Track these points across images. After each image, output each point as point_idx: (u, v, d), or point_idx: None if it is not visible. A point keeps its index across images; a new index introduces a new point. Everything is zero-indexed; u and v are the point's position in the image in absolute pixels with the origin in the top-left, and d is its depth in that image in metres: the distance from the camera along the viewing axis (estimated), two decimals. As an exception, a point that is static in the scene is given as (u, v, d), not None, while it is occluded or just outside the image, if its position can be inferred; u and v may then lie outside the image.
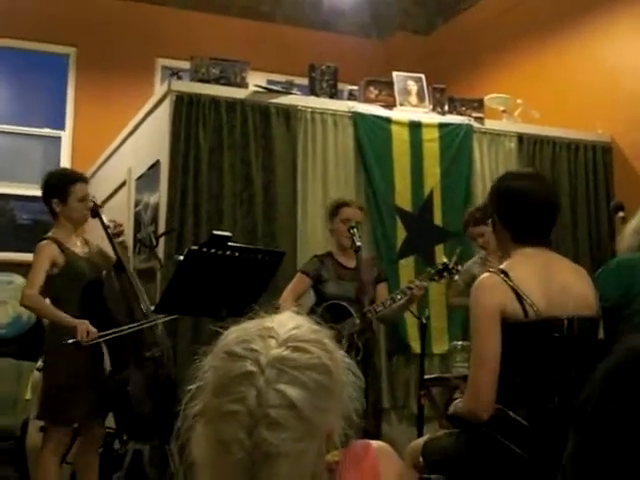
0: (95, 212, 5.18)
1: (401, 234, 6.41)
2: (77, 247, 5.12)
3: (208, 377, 1.38)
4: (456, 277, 5.35)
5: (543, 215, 3.21)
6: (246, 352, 1.35)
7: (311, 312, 5.10)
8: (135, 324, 4.89)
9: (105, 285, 5.02)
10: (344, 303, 5.09)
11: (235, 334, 1.41)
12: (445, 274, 5.16)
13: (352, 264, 5.19)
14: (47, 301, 5.05)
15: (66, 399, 4.82)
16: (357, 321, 4.94)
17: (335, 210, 5.32)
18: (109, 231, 5.18)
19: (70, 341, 4.69)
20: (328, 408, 1.35)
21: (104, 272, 5.07)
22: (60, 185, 5.08)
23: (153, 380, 4.91)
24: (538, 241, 3.16)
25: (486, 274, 3.15)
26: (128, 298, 5.05)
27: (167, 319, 4.94)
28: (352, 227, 5.01)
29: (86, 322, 4.74)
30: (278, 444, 1.29)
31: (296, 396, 1.31)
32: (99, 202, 5.42)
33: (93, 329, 4.72)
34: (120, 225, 5.30)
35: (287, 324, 1.41)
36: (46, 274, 4.90)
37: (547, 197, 3.23)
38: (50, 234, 5.07)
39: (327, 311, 5.05)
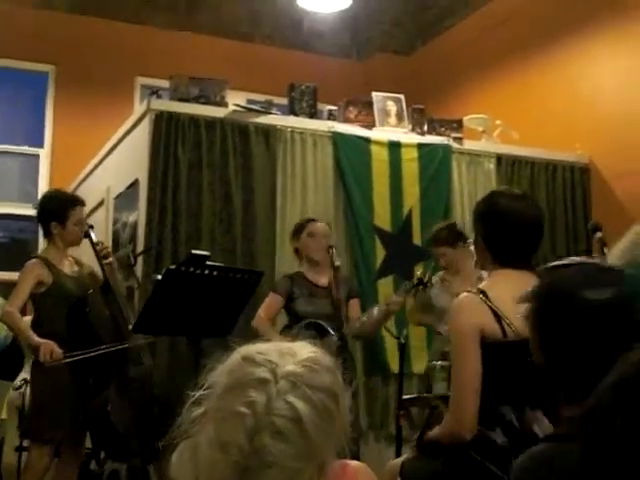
0: (86, 233, 5.23)
1: (380, 253, 6.42)
2: (66, 267, 5.19)
3: (220, 380, 1.40)
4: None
5: (527, 238, 3.17)
6: (264, 361, 1.38)
7: (285, 329, 5.09)
8: (107, 345, 4.89)
9: (90, 304, 5.03)
10: (320, 321, 5.07)
11: (253, 347, 1.44)
12: (420, 288, 5.16)
13: (323, 281, 5.24)
14: (27, 319, 5.15)
15: (49, 417, 4.86)
16: (335, 339, 4.93)
17: (300, 227, 5.36)
18: (98, 251, 5.20)
19: (32, 360, 4.82)
20: (329, 434, 1.37)
21: (90, 291, 5.10)
22: (59, 209, 5.16)
23: (136, 399, 4.90)
24: (520, 264, 3.15)
25: (465, 294, 3.14)
26: (115, 318, 5.05)
27: (144, 342, 4.92)
28: (330, 246, 5.02)
29: (51, 343, 4.79)
30: (276, 454, 1.30)
31: (304, 411, 1.32)
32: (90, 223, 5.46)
33: (58, 350, 4.78)
34: (106, 247, 5.34)
35: (306, 348, 1.45)
36: (31, 293, 4.99)
37: (533, 219, 3.21)
38: (40, 253, 5.21)
39: (304, 329, 5.03)
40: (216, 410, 1.36)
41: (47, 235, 5.22)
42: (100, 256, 5.17)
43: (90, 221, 6.79)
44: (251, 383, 1.34)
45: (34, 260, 5.09)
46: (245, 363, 1.38)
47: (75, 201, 5.27)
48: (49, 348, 4.75)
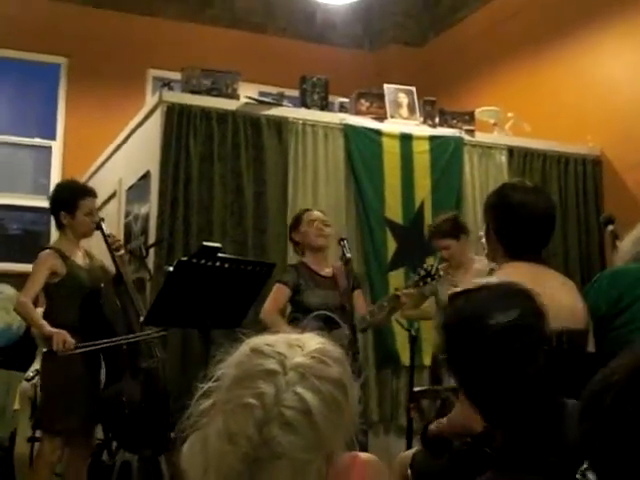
0: (97, 225, 5.23)
1: (391, 246, 6.42)
2: (79, 258, 5.19)
3: (229, 372, 1.40)
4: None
5: (539, 230, 3.18)
6: (273, 353, 1.38)
7: (294, 321, 5.09)
8: (119, 337, 4.93)
9: (103, 296, 5.06)
10: (330, 313, 5.06)
11: (262, 339, 1.44)
12: (428, 280, 5.13)
13: (327, 271, 5.24)
14: (39, 310, 5.15)
15: (61, 408, 4.87)
16: (347, 331, 4.93)
17: (297, 219, 5.37)
18: (109, 243, 5.22)
19: (45, 350, 4.81)
20: (338, 425, 1.37)
21: (103, 284, 5.12)
22: (70, 198, 5.15)
23: (147, 391, 4.91)
24: (531, 256, 3.15)
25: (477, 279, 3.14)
26: (127, 310, 5.08)
27: (156, 335, 4.92)
28: (342, 239, 5.02)
29: (63, 332, 4.79)
30: (285, 445, 1.30)
31: (313, 402, 1.32)
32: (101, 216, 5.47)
33: (70, 340, 4.78)
34: (118, 240, 5.36)
35: (314, 339, 1.45)
36: (45, 283, 4.99)
37: (545, 211, 3.20)
38: (52, 244, 5.19)
39: (313, 321, 5.03)
40: (225, 402, 1.36)
41: (59, 226, 5.22)
42: (112, 248, 5.18)
43: (102, 213, 6.82)
44: (260, 375, 1.34)
45: (48, 251, 5.10)
46: (253, 355, 1.39)
47: (86, 191, 5.27)
48: (62, 337, 4.75)
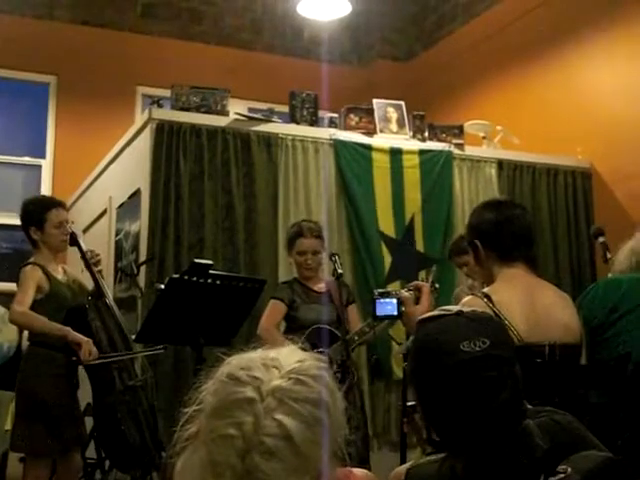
0: (73, 240, 5.11)
1: (387, 259, 6.42)
2: (59, 274, 5.09)
3: (207, 400, 1.38)
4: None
5: (520, 230, 3.28)
6: (249, 378, 1.35)
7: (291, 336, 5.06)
8: (133, 352, 4.93)
9: (89, 312, 5.00)
10: (328, 327, 5.05)
11: (238, 361, 1.41)
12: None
13: (319, 287, 5.24)
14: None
15: (44, 430, 4.74)
16: (341, 347, 4.93)
17: (291, 243, 5.31)
18: (87, 259, 5.12)
19: (74, 359, 4.68)
20: (322, 444, 1.35)
21: (87, 299, 5.04)
22: (36, 212, 5.05)
23: (135, 409, 4.88)
24: (523, 260, 3.20)
25: (469, 297, 3.15)
26: (108, 326, 5.02)
27: (159, 351, 4.88)
28: (333, 254, 5.01)
29: (90, 341, 4.71)
30: (270, 473, 1.28)
31: (293, 428, 1.30)
32: (79, 230, 5.37)
33: (95, 349, 4.70)
34: (98, 255, 5.25)
35: (292, 357, 1.41)
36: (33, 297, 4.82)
37: (520, 215, 3.33)
38: (33, 259, 5.01)
39: (308, 336, 5.01)
40: (206, 432, 1.34)
41: (32, 243, 5.08)
42: (90, 263, 5.09)
43: (92, 231, 6.82)
44: (237, 403, 1.32)
45: (30, 266, 4.93)
46: (230, 382, 1.36)
47: (53, 203, 5.15)
48: (89, 347, 4.66)
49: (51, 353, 4.83)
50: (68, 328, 4.73)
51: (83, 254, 5.13)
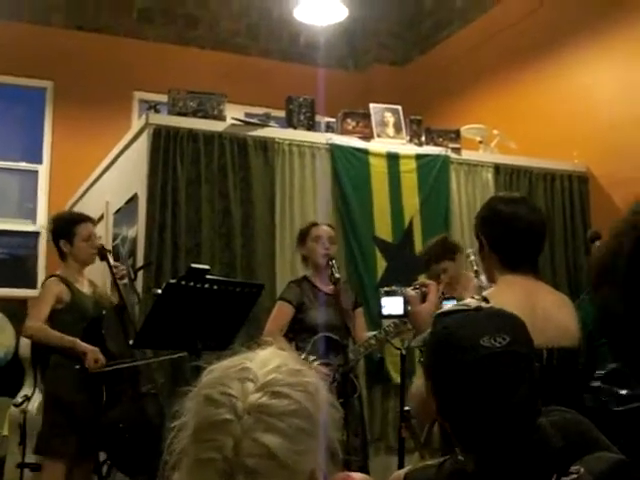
0: (103, 255, 5.34)
1: (381, 265, 6.41)
2: (84, 286, 5.31)
3: (189, 419, 1.36)
4: None
5: (533, 240, 3.18)
6: (223, 397, 1.32)
7: (298, 340, 5.07)
8: (143, 359, 5.06)
9: (105, 323, 5.12)
10: (332, 335, 5.04)
11: (214, 374, 1.38)
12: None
13: (329, 289, 5.16)
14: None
15: (63, 432, 4.89)
16: (352, 356, 4.93)
17: (304, 233, 5.32)
18: (114, 273, 5.30)
19: (77, 367, 4.87)
20: (308, 450, 1.33)
21: (105, 311, 5.22)
22: (66, 227, 5.30)
23: (147, 415, 4.92)
24: (528, 267, 3.15)
25: (468, 300, 3.13)
26: (128, 337, 5.08)
27: (173, 357, 4.90)
28: (331, 259, 5.00)
29: (97, 350, 4.91)
30: None
31: (274, 445, 1.28)
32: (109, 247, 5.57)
33: (102, 357, 4.90)
34: (123, 269, 5.42)
35: (267, 364, 1.37)
36: (50, 309, 5.07)
37: (536, 220, 3.20)
38: (58, 272, 5.28)
39: (314, 344, 5.01)
40: (189, 454, 1.33)
41: (61, 255, 5.33)
42: (117, 278, 5.26)
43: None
44: (215, 426, 1.30)
45: (53, 278, 5.23)
46: (206, 403, 1.33)
47: (81, 218, 5.40)
48: (95, 356, 4.88)
49: (74, 361, 4.97)
50: (76, 339, 4.95)
51: (111, 269, 5.31)
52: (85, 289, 5.29)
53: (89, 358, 4.86)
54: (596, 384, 3.29)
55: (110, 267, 5.31)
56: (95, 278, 5.61)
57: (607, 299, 1.03)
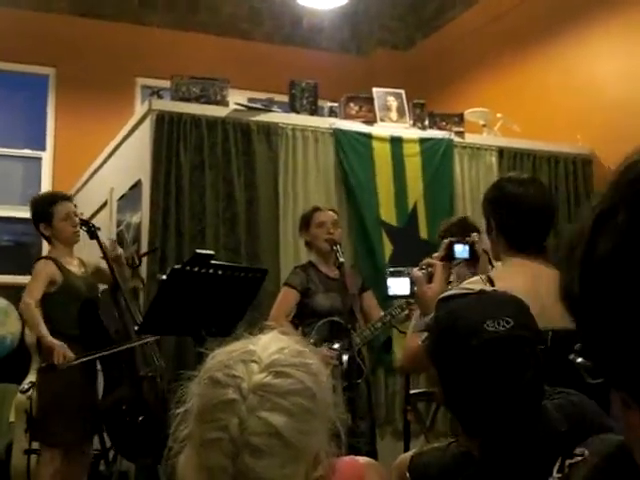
0: (92, 233, 5.22)
1: (387, 248, 6.41)
2: (74, 266, 5.22)
3: (193, 402, 1.38)
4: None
5: (540, 221, 3.15)
6: (228, 379, 1.34)
7: (304, 325, 5.08)
8: (114, 346, 4.93)
9: (101, 304, 5.08)
10: (338, 319, 5.04)
11: (218, 358, 1.40)
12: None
13: (334, 273, 5.16)
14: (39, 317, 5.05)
15: (59, 421, 4.87)
16: (358, 340, 4.94)
17: (307, 219, 5.32)
18: (106, 251, 5.22)
19: (44, 364, 4.82)
20: (313, 430, 1.35)
21: (100, 291, 5.18)
22: (42, 209, 5.18)
23: (146, 399, 4.91)
24: (534, 248, 3.13)
25: (473, 278, 3.11)
26: (123, 317, 5.07)
27: (151, 340, 4.93)
28: (335, 243, 5.00)
29: (64, 345, 4.78)
30: (261, 471, 1.28)
31: (279, 423, 1.30)
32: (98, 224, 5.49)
33: (70, 353, 4.79)
34: (115, 241, 5.43)
35: (270, 347, 1.40)
36: (44, 291, 4.97)
37: (544, 201, 3.17)
38: (46, 254, 5.21)
39: (320, 329, 5.01)
40: (195, 437, 1.35)
41: (46, 240, 5.27)
42: (109, 257, 5.18)
43: (94, 222, 6.80)
44: (220, 406, 1.32)
45: (43, 260, 5.13)
46: (211, 385, 1.36)
47: (56, 197, 5.29)
48: (62, 351, 4.75)
49: (65, 344, 4.89)
50: (45, 333, 4.82)
51: (102, 247, 5.23)
52: (75, 270, 5.19)
53: (56, 354, 4.73)
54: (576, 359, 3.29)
55: (100, 245, 5.21)
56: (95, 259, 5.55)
57: (566, 280, 1.03)
